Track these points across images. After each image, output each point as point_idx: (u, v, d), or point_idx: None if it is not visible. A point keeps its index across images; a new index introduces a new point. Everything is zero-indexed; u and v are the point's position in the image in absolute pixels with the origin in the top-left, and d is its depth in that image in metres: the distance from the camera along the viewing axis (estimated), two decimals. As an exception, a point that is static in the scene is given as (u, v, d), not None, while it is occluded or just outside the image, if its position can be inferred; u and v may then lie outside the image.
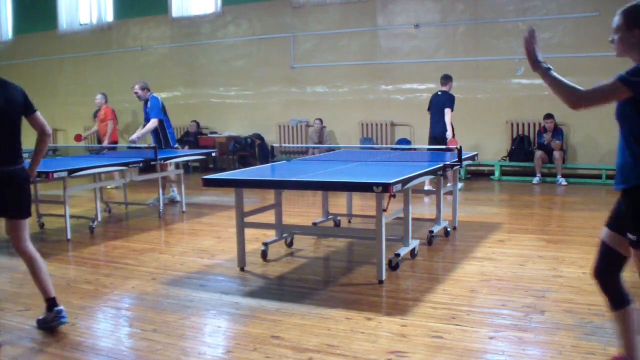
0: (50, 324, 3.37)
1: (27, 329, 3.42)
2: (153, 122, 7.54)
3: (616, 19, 2.35)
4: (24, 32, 14.40)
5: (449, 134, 8.04)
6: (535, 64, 2.35)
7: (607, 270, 2.47)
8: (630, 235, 2.26)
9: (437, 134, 8.22)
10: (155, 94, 7.78)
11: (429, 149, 7.58)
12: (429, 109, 8.44)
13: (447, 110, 8.12)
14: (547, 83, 2.33)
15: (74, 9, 13.70)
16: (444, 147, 7.14)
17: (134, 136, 7.79)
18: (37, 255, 3.40)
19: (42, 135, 3.44)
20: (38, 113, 3.43)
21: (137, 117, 12.73)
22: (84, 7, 13.64)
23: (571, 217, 6.66)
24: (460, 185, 8.12)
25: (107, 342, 3.27)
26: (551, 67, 2.33)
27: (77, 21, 13.73)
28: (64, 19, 13.77)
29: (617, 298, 2.47)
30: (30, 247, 3.39)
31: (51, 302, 3.38)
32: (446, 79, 8.38)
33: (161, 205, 7.07)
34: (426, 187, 7.65)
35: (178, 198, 7.81)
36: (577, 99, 2.24)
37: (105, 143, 9.56)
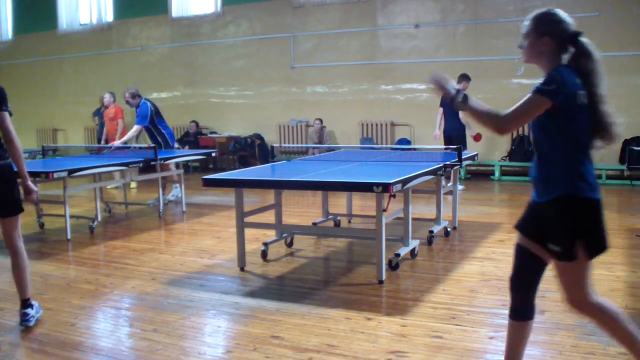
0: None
1: (27, 329, 3.42)
2: (135, 129, 7.59)
3: (526, 24, 2.33)
4: (24, 32, 14.40)
5: (470, 132, 8.11)
6: (453, 100, 2.29)
7: (525, 278, 2.37)
8: (553, 247, 2.21)
9: (448, 133, 8.22)
10: (146, 99, 7.71)
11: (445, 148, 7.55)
12: (440, 105, 8.42)
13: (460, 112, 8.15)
14: (469, 114, 2.29)
15: (74, 9, 13.71)
16: (443, 146, 7.13)
17: (117, 142, 7.81)
18: (24, 255, 3.44)
19: (6, 142, 3.28)
20: (6, 115, 3.25)
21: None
22: (84, 7, 13.65)
23: (571, 217, 6.65)
24: (461, 187, 8.12)
25: (107, 342, 3.27)
26: (467, 95, 2.28)
27: (77, 21, 13.73)
28: (64, 19, 13.77)
29: (524, 309, 2.38)
30: (20, 245, 3.42)
31: (24, 303, 3.45)
32: (461, 77, 8.30)
33: (161, 205, 7.07)
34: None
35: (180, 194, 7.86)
36: (500, 123, 2.21)
37: (117, 142, 9.61)
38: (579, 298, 2.24)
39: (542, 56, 2.28)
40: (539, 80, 2.19)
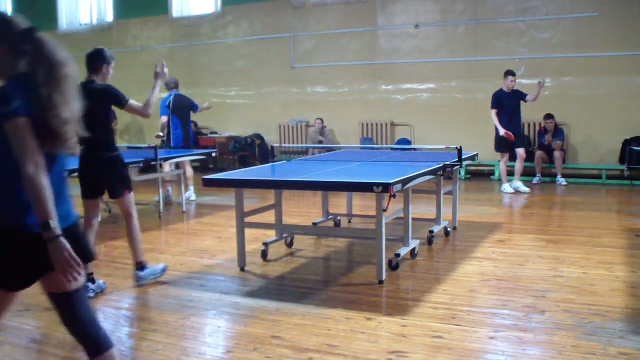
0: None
1: (27, 329, 3.42)
2: (160, 120, 7.99)
3: None
4: (24, 32, 14.39)
5: (500, 132, 8.16)
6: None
7: (64, 317, 2.07)
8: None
9: (518, 130, 8.36)
10: (176, 93, 8.12)
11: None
12: (493, 107, 8.42)
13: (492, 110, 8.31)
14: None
15: (74, 9, 13.70)
16: (444, 146, 7.12)
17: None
18: (133, 224, 4.23)
19: (145, 117, 4.53)
20: (131, 104, 4.33)
21: (137, 117, 12.71)
22: (84, 6, 13.64)
23: (571, 217, 6.66)
24: (527, 189, 8.22)
25: (107, 342, 3.27)
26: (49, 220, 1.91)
27: (77, 21, 13.72)
28: (64, 19, 13.76)
29: (91, 345, 2.11)
30: (129, 218, 4.23)
31: (135, 265, 4.28)
32: (506, 73, 8.33)
33: (161, 205, 7.08)
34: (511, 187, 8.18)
35: (193, 197, 8.01)
36: (32, 179, 1.82)
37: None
38: None
39: (3, 67, 1.96)
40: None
